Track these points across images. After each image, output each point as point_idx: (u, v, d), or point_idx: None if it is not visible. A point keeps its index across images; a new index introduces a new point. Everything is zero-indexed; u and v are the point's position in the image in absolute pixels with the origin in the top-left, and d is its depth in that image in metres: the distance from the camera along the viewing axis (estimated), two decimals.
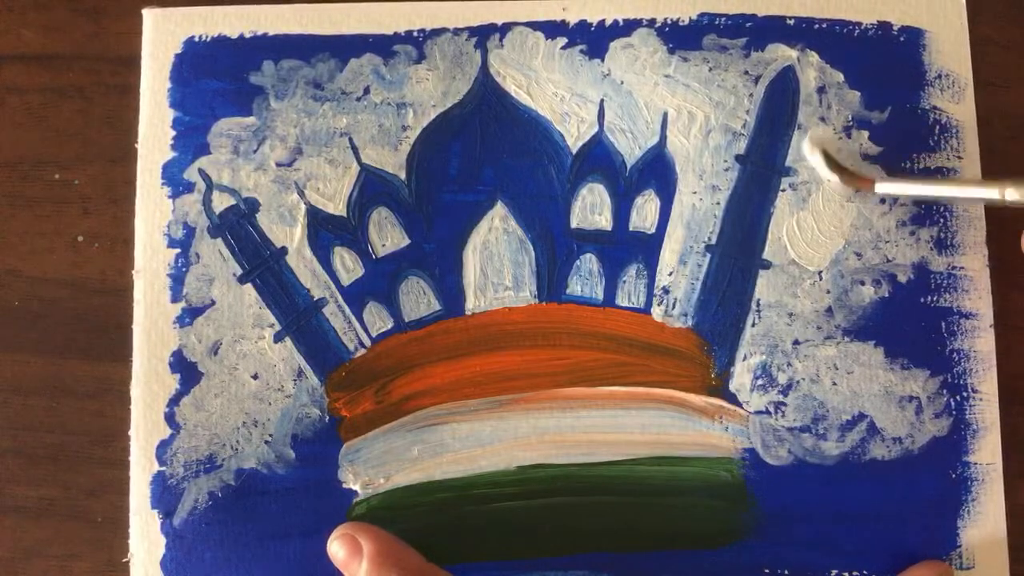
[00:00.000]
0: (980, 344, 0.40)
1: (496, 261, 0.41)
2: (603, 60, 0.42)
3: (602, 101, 0.42)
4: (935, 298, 0.41)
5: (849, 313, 0.41)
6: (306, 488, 0.40)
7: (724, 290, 0.41)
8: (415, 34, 0.42)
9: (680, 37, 0.42)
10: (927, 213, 0.41)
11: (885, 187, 0.39)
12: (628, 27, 0.42)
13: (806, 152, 0.41)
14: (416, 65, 0.42)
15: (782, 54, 0.42)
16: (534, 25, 0.42)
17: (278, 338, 0.41)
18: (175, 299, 0.41)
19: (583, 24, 0.42)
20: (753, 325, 0.41)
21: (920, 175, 0.41)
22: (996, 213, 0.41)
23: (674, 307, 0.41)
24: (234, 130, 0.41)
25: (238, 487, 0.40)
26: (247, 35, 0.42)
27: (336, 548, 0.38)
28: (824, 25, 0.42)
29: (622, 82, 0.42)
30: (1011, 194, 0.37)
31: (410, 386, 0.40)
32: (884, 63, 0.42)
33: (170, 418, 0.40)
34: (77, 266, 0.42)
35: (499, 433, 0.40)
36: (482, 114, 0.42)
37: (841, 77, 0.42)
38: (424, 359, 0.41)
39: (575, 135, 0.42)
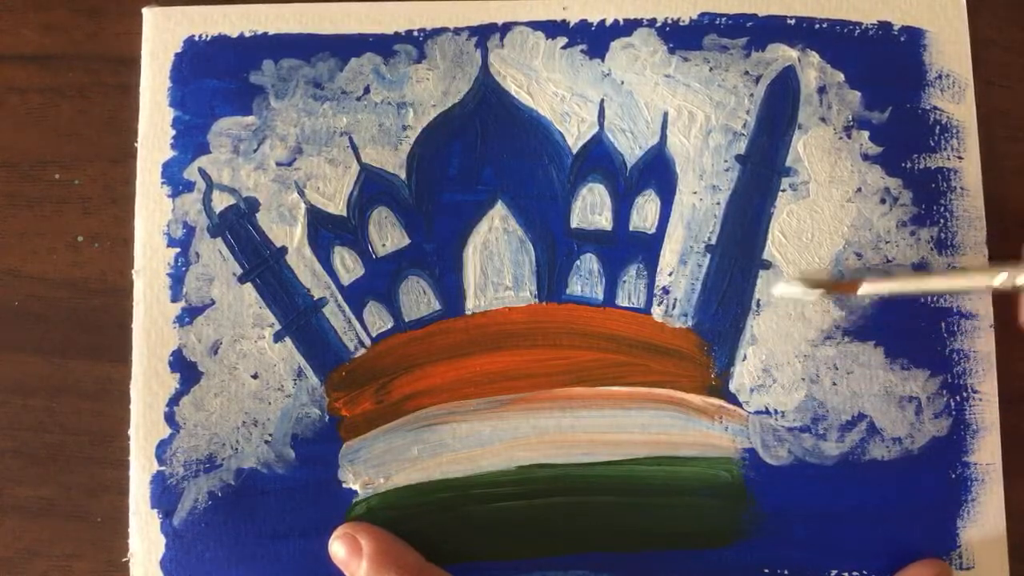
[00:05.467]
0: (980, 344, 0.40)
1: (496, 261, 0.41)
2: (603, 60, 0.42)
3: (602, 101, 0.42)
4: (935, 298, 0.41)
5: (849, 313, 0.41)
6: (306, 488, 0.40)
7: (724, 290, 0.41)
8: (415, 33, 0.42)
9: (680, 37, 0.42)
10: (927, 213, 0.41)
11: (869, 288, 0.39)
12: (628, 27, 0.42)
13: (782, 292, 0.40)
14: (416, 65, 0.42)
15: (783, 54, 0.42)
16: (534, 25, 0.42)
17: (278, 338, 0.41)
18: (175, 299, 0.41)
19: (583, 24, 0.42)
20: (753, 325, 0.41)
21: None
22: (997, 214, 0.41)
23: (674, 307, 0.41)
24: (234, 129, 0.41)
25: (238, 487, 0.40)
26: (247, 34, 0.42)
27: (337, 547, 0.38)
28: (825, 25, 0.42)
29: (622, 82, 0.42)
30: (1000, 279, 0.37)
31: (410, 386, 0.40)
32: (885, 63, 0.42)
33: (170, 418, 0.40)
34: (77, 266, 0.42)
35: (499, 433, 0.40)
36: (482, 114, 0.42)
37: (842, 77, 0.42)
38: (424, 359, 0.41)
39: (575, 135, 0.42)
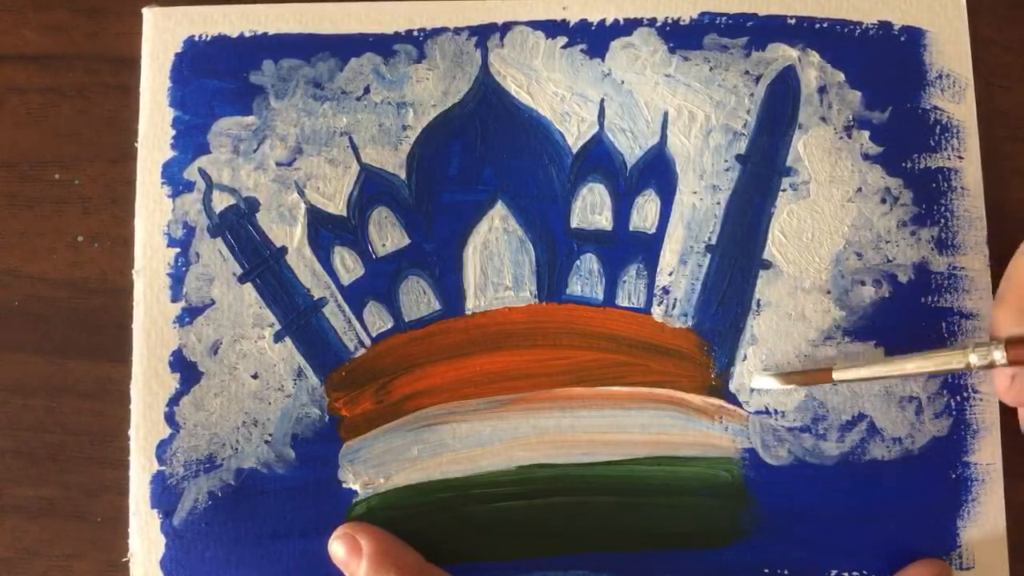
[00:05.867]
0: None
1: (496, 261, 0.41)
2: (604, 59, 0.42)
3: (602, 100, 0.42)
4: (936, 298, 0.41)
5: (849, 313, 0.41)
6: (306, 488, 0.40)
7: (724, 290, 0.41)
8: (415, 33, 0.42)
9: (681, 36, 0.42)
10: (928, 213, 0.41)
11: (841, 376, 0.38)
12: (629, 26, 0.42)
13: (757, 385, 0.40)
14: (416, 64, 0.42)
15: (783, 54, 0.42)
16: (534, 24, 0.42)
17: (278, 338, 0.41)
18: (175, 299, 0.41)
19: (583, 23, 0.42)
20: (753, 325, 0.41)
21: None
22: (997, 214, 0.41)
23: (674, 307, 0.41)
24: (234, 129, 0.41)
25: (238, 487, 0.40)
26: (247, 34, 0.42)
27: (336, 548, 0.38)
28: (825, 25, 0.42)
29: (623, 81, 0.42)
30: (975, 359, 0.36)
31: (410, 386, 0.40)
32: (885, 63, 0.42)
33: (170, 418, 0.40)
34: (77, 266, 0.42)
35: (499, 433, 0.40)
36: (482, 114, 0.42)
37: (842, 77, 0.42)
38: (424, 359, 0.41)
39: (575, 134, 0.42)
